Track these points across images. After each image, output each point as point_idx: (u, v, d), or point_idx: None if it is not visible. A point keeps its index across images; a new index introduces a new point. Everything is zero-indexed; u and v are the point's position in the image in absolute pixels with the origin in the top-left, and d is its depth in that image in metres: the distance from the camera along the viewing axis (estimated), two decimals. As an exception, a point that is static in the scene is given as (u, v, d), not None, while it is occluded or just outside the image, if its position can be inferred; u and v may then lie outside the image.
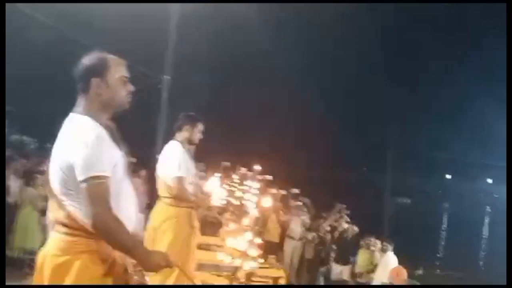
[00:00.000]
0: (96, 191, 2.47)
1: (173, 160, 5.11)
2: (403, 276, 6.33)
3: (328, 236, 12.31)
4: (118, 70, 2.69)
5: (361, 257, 10.97)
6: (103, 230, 2.48)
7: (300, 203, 12.90)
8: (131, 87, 2.73)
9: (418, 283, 6.57)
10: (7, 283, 5.68)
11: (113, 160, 2.55)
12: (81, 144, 2.48)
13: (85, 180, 2.46)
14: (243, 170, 14.37)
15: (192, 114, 5.40)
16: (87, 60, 2.68)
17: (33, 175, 9.32)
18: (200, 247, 7.97)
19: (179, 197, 5.24)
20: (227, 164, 12.92)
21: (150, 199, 10.30)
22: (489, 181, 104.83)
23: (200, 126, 5.33)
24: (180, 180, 5.13)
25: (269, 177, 15.02)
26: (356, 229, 11.73)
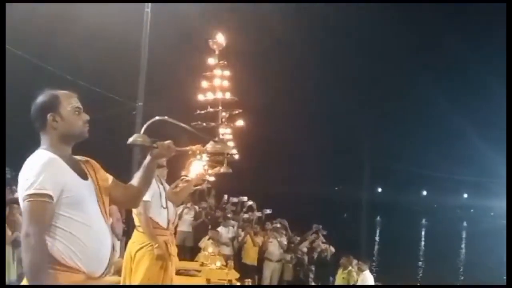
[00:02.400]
0: (33, 209, 2.53)
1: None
2: None
3: (306, 257, 12.40)
4: (70, 102, 2.79)
5: (338, 278, 11.05)
6: (25, 247, 2.51)
7: (277, 225, 12.98)
8: (86, 117, 2.84)
9: None
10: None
11: (60, 184, 2.61)
12: (27, 170, 2.60)
13: (24, 198, 2.55)
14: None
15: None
16: (39, 99, 2.80)
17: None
18: (179, 272, 8.02)
19: (141, 222, 5.21)
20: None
21: (127, 226, 10.32)
22: (465, 196, 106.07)
23: None
24: (144, 204, 5.08)
25: (244, 198, 15.11)
26: (332, 249, 11.81)
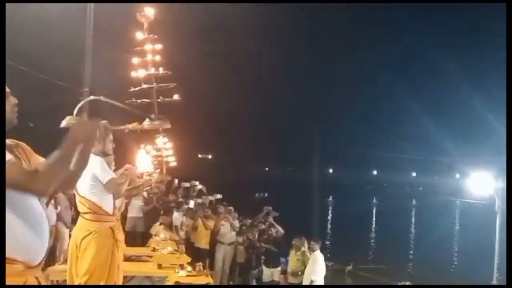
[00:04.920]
0: None
1: (96, 170, 5.03)
2: None
3: (258, 239, 12.49)
4: None
5: (292, 259, 11.16)
6: None
7: (230, 208, 13.04)
8: (14, 100, 2.68)
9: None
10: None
11: None
12: None
13: None
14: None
15: None
16: None
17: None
18: (130, 258, 8.00)
19: (124, 193, 5.33)
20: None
21: (76, 213, 10.19)
22: (413, 174, 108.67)
23: (110, 136, 5.26)
24: (113, 180, 5.11)
25: (196, 183, 15.12)
26: (281, 230, 11.94)
